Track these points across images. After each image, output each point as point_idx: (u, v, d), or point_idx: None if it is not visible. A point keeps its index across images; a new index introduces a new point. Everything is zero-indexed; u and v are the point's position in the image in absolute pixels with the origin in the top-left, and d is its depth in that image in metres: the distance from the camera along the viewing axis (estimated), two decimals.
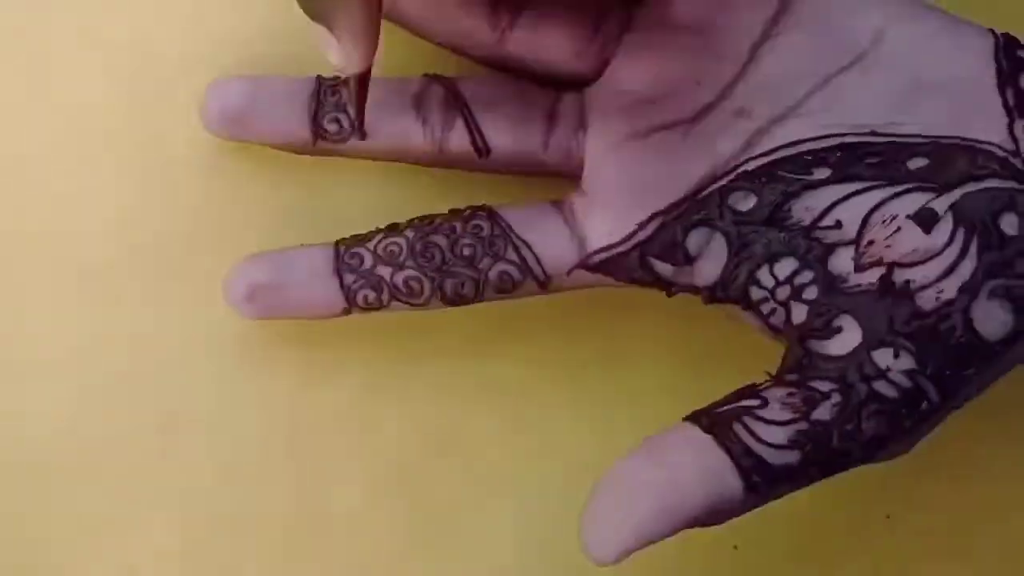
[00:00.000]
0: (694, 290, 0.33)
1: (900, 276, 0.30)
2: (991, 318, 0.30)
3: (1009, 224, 0.30)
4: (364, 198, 0.36)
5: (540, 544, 0.36)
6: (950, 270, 0.30)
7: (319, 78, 0.34)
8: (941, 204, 0.31)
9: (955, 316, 0.30)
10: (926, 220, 0.31)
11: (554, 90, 0.35)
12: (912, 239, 0.31)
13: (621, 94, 0.34)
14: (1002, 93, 0.32)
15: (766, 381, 0.31)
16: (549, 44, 0.34)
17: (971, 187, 0.31)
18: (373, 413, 0.36)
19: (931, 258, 0.30)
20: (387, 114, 0.34)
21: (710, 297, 0.33)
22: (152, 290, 0.36)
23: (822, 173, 0.32)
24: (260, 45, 0.36)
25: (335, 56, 0.29)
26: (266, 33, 0.36)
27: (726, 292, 0.32)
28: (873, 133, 0.32)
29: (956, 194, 0.31)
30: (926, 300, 0.30)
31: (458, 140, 0.34)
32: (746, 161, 0.32)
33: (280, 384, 0.36)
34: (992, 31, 0.33)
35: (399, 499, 0.36)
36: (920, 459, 0.35)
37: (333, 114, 0.34)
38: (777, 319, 0.32)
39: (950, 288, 0.30)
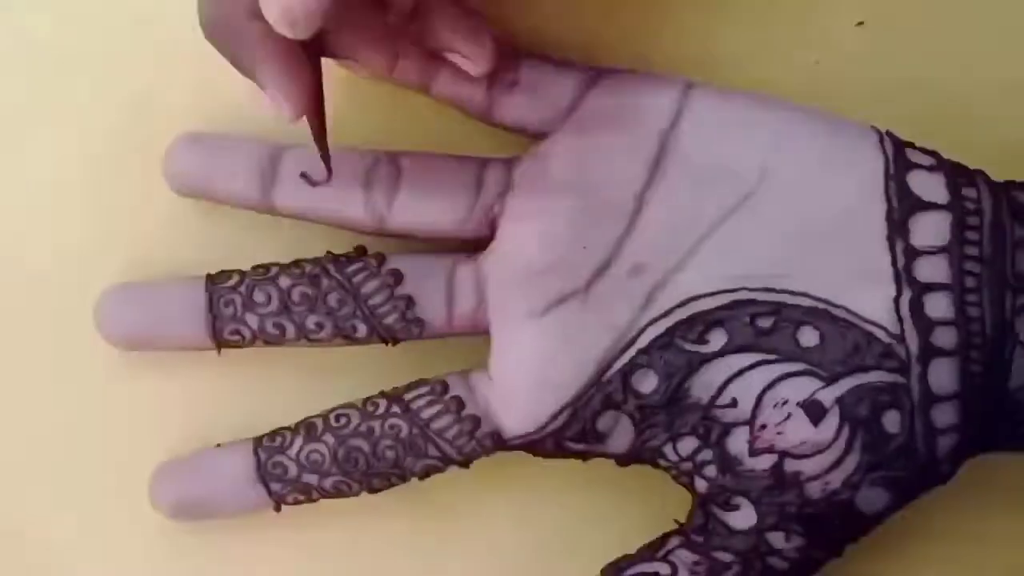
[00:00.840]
0: (606, 456, 0.34)
1: (791, 466, 0.33)
2: (872, 500, 0.33)
3: (891, 422, 0.32)
4: None
5: (541, 542, 0.36)
6: (836, 464, 0.32)
7: (207, 284, 0.34)
8: (828, 396, 0.32)
9: (839, 503, 0.33)
10: (815, 413, 0.32)
11: (448, 261, 0.34)
12: (801, 430, 0.32)
13: (512, 267, 0.34)
14: (891, 248, 0.32)
15: (673, 536, 0.34)
16: (430, 216, 0.34)
17: (857, 379, 0.32)
18: None
19: (819, 452, 0.32)
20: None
21: (622, 464, 0.34)
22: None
23: (718, 341, 0.33)
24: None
25: (266, 106, 0.30)
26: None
27: (636, 461, 0.34)
28: (766, 290, 0.33)
29: (843, 386, 0.32)
30: (814, 490, 0.33)
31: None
32: (645, 327, 0.33)
33: (281, 383, 0.36)
34: (879, 136, 0.33)
35: (400, 497, 0.36)
36: None
37: (232, 326, 0.34)
38: (683, 482, 0.34)
39: (835, 480, 0.32)
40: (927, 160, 0.33)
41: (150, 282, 0.35)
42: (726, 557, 0.33)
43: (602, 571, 0.34)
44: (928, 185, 0.33)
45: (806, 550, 0.33)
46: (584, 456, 0.34)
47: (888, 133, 0.34)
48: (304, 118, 0.30)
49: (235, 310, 0.34)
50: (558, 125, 0.34)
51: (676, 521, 0.34)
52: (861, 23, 0.37)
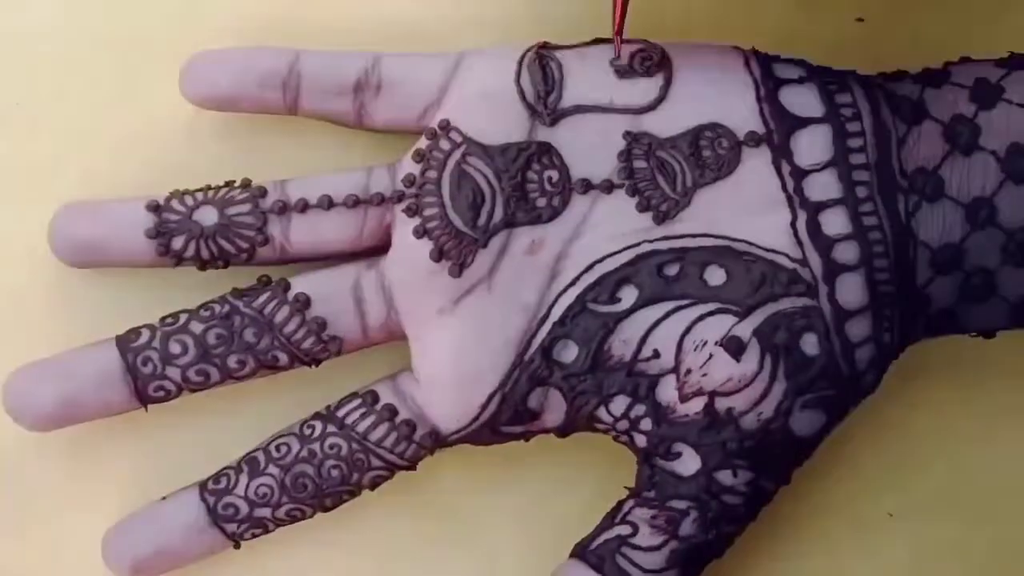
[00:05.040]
0: (546, 431, 0.34)
1: (722, 404, 0.33)
2: (807, 422, 0.33)
3: (809, 344, 0.32)
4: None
5: (542, 542, 0.36)
6: (764, 394, 0.33)
7: (119, 345, 0.34)
8: (745, 330, 0.32)
9: (776, 431, 0.33)
10: (734, 348, 0.32)
11: (351, 272, 0.34)
12: (725, 368, 0.33)
13: (413, 269, 0.34)
14: (778, 172, 0.33)
15: (627, 500, 0.34)
16: (327, 240, 0.34)
17: (770, 308, 0.32)
18: None
19: (746, 386, 0.32)
20: None
21: (561, 435, 0.34)
22: None
23: (629, 297, 0.33)
24: None
25: None
26: None
27: (574, 429, 0.34)
28: (665, 238, 0.33)
29: (757, 318, 0.32)
30: (749, 422, 0.33)
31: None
32: (556, 299, 0.33)
33: (284, 381, 0.35)
34: (743, 58, 0.33)
35: (402, 495, 0.36)
36: (920, 459, 0.35)
37: (156, 383, 0.34)
38: (623, 442, 0.34)
39: (768, 409, 0.33)
40: (796, 72, 0.33)
41: (58, 355, 0.34)
42: (681, 504, 0.33)
43: (571, 553, 0.34)
44: (801, 100, 0.33)
45: (755, 482, 0.33)
46: (524, 437, 0.34)
47: (753, 51, 0.33)
48: None
49: (154, 367, 0.33)
50: (432, 114, 0.34)
51: (626, 488, 0.34)
52: (861, 19, 0.37)
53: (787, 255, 0.32)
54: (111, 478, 0.36)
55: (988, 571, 0.36)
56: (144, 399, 0.34)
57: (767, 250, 0.33)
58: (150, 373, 0.33)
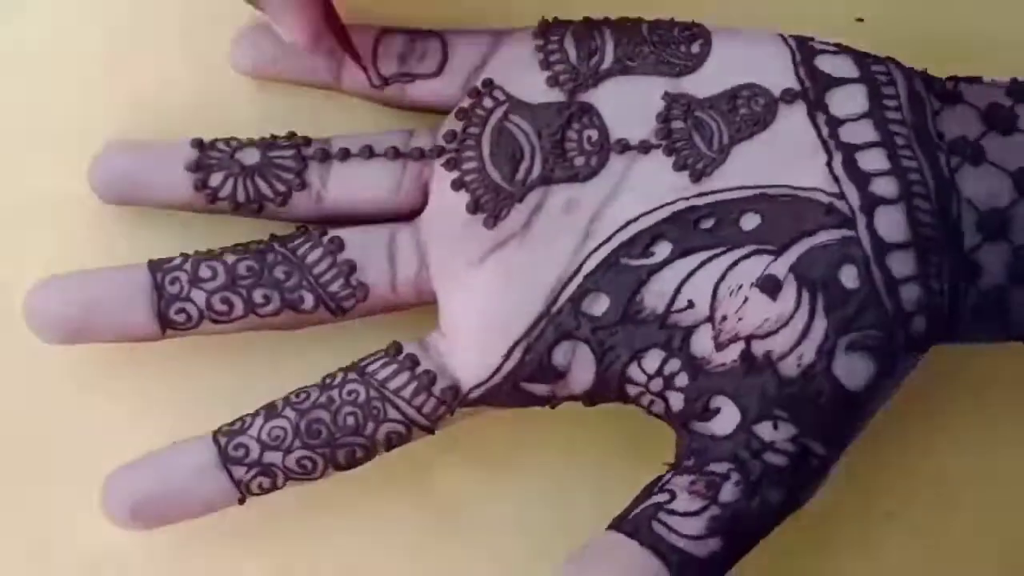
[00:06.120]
0: (574, 398, 0.34)
1: (759, 348, 0.32)
2: (853, 370, 0.32)
3: (848, 277, 0.32)
4: None
5: (543, 541, 0.36)
6: (804, 334, 0.32)
7: (151, 265, 0.34)
8: (780, 268, 0.32)
9: (819, 377, 0.31)
10: (770, 287, 0.32)
11: (387, 228, 0.35)
12: (761, 309, 0.32)
13: (448, 222, 0.34)
14: (814, 123, 0.33)
15: (668, 471, 0.32)
16: (364, 191, 0.34)
17: (806, 244, 0.32)
18: None
19: (783, 326, 0.32)
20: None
21: (590, 402, 0.34)
22: None
23: (663, 251, 0.33)
24: None
25: (279, 32, 0.32)
26: None
27: (604, 394, 0.33)
28: (700, 194, 0.33)
29: (793, 255, 0.32)
30: (789, 367, 0.32)
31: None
32: (588, 256, 0.33)
33: (287, 380, 0.35)
34: (781, 36, 0.34)
35: (405, 494, 0.36)
36: (920, 459, 0.35)
37: (179, 304, 0.33)
38: (658, 408, 0.33)
39: (808, 352, 0.32)
40: (832, 47, 0.34)
41: (85, 270, 0.34)
42: (721, 467, 0.32)
43: (610, 525, 0.32)
44: (837, 64, 0.34)
45: (800, 441, 0.32)
46: (549, 401, 0.33)
47: (790, 35, 0.34)
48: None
49: (181, 287, 0.33)
50: (477, 76, 0.35)
51: (665, 464, 0.33)
52: (861, 19, 0.37)
53: (823, 191, 0.32)
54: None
55: (988, 571, 0.37)
56: (164, 321, 0.33)
57: (804, 189, 0.32)
58: (175, 293, 0.33)
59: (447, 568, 0.36)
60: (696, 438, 0.32)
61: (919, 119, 0.33)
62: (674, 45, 0.34)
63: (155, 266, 0.34)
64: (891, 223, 0.32)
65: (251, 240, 0.34)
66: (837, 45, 0.34)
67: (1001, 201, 0.32)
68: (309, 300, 0.34)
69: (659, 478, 0.32)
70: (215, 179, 0.34)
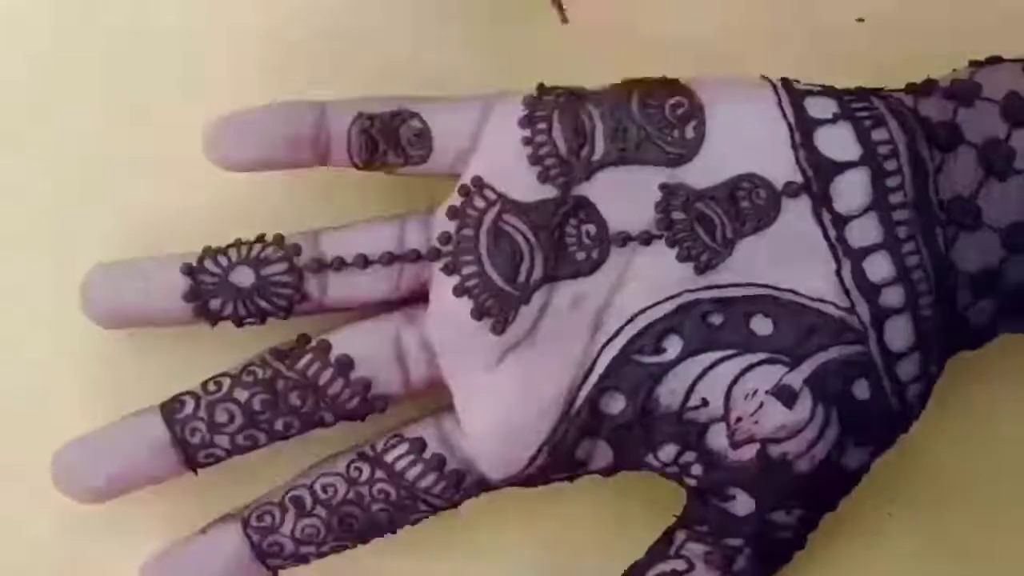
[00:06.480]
0: (592, 473, 0.35)
1: (775, 450, 0.33)
2: (857, 458, 0.34)
3: (861, 389, 0.33)
4: None
5: (544, 539, 0.36)
6: (818, 439, 0.33)
7: (165, 417, 0.34)
8: (795, 379, 0.33)
9: (829, 468, 0.33)
10: (787, 397, 0.33)
11: (392, 328, 0.34)
12: (778, 416, 0.33)
13: (455, 328, 0.33)
14: (819, 221, 0.33)
15: (678, 531, 0.34)
16: (364, 296, 0.34)
17: (820, 358, 0.33)
18: None
19: (799, 432, 0.33)
20: None
21: (608, 475, 0.35)
22: None
23: (674, 347, 0.33)
24: None
25: None
26: None
27: (621, 470, 0.34)
28: (707, 288, 0.33)
29: (807, 368, 0.33)
30: (803, 465, 0.33)
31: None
32: (601, 351, 0.33)
33: None
34: (776, 96, 0.33)
35: None
36: (920, 459, 0.35)
37: (205, 451, 0.34)
38: (674, 481, 0.34)
39: (821, 452, 0.33)
40: (828, 108, 0.33)
41: (104, 429, 0.34)
42: (736, 542, 0.34)
43: None
44: (837, 141, 0.33)
45: (806, 517, 0.34)
46: (570, 479, 0.34)
47: (783, 84, 0.33)
48: None
49: (202, 437, 0.33)
50: (463, 160, 0.34)
51: (675, 516, 0.34)
52: (861, 20, 0.37)
53: (834, 303, 0.33)
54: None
55: (988, 571, 0.37)
56: (194, 466, 0.34)
57: (813, 299, 0.33)
58: (199, 443, 0.33)
59: (446, 569, 0.37)
60: (712, 510, 0.34)
61: (921, 194, 0.33)
62: (667, 128, 0.33)
63: (170, 417, 0.33)
64: (899, 333, 0.33)
65: (251, 360, 0.34)
66: (830, 95, 0.33)
67: (992, 261, 0.33)
68: (330, 418, 0.34)
69: (671, 536, 0.34)
70: (214, 304, 0.34)
